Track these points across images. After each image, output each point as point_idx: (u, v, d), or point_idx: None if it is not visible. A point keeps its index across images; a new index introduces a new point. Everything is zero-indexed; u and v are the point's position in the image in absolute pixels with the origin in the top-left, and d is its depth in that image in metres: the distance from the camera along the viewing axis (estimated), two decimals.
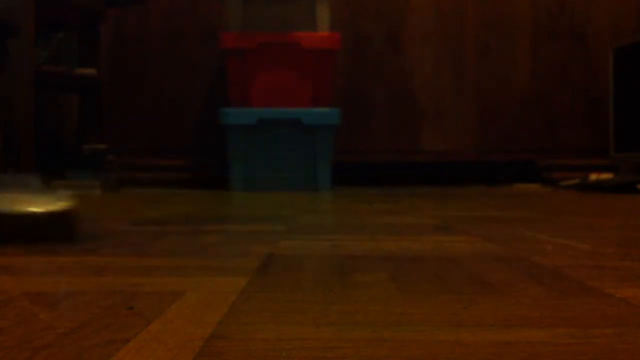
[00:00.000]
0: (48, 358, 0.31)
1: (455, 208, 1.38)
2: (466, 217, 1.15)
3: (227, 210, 1.35)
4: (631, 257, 0.65)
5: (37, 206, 0.77)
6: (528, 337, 0.35)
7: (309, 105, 2.36)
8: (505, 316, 0.40)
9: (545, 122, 2.85)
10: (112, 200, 1.75)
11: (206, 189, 2.44)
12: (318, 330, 0.36)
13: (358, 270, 0.57)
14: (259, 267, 0.58)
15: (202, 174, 2.76)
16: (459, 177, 2.83)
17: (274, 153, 2.34)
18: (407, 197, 1.82)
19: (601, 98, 2.84)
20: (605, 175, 2.39)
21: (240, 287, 0.49)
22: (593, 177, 2.40)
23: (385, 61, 2.83)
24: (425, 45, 2.84)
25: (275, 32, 2.35)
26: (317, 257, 0.64)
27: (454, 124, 2.84)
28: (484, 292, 0.47)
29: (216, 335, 0.36)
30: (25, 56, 2.10)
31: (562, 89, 2.85)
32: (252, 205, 1.51)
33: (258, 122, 2.29)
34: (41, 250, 0.70)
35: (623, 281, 0.52)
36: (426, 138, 2.84)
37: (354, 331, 0.36)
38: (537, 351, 0.33)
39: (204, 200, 1.70)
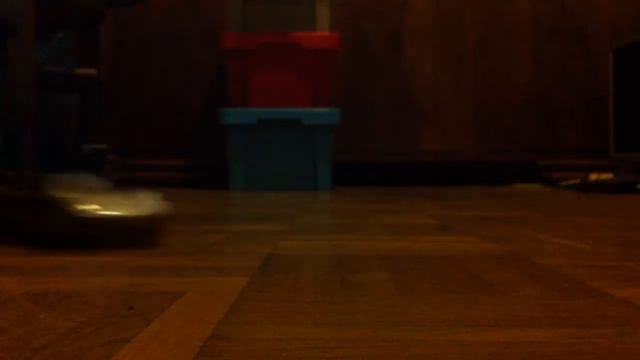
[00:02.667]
0: (48, 358, 0.31)
1: (456, 208, 1.38)
2: (466, 217, 1.15)
3: (226, 210, 1.35)
4: (631, 257, 0.65)
5: (138, 210, 0.72)
6: (528, 337, 0.35)
7: (309, 105, 2.36)
8: (505, 316, 0.40)
9: (545, 122, 2.85)
10: None
11: (206, 189, 2.44)
12: (318, 330, 0.36)
13: (358, 270, 0.57)
14: (259, 267, 0.58)
15: (202, 174, 2.76)
16: (459, 177, 2.83)
17: (274, 153, 2.34)
18: (407, 197, 1.82)
19: (601, 98, 2.84)
20: (605, 175, 2.39)
21: (240, 287, 0.49)
22: (593, 177, 2.40)
23: (385, 61, 2.83)
24: (425, 45, 2.84)
25: (275, 32, 2.35)
26: (317, 257, 0.64)
27: (454, 124, 2.84)
28: (484, 292, 0.47)
29: (216, 335, 0.35)
30: (25, 56, 2.10)
31: (562, 89, 2.85)
32: (252, 205, 1.51)
33: (258, 122, 2.29)
34: (41, 250, 0.70)
35: (623, 281, 0.52)
36: (426, 138, 2.84)
37: (354, 331, 0.36)
38: (537, 351, 0.33)
39: (203, 200, 1.70)
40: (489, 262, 0.62)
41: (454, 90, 2.84)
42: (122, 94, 2.82)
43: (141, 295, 0.46)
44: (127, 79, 2.82)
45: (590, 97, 2.85)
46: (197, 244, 0.76)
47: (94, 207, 0.69)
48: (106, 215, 0.69)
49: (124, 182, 2.59)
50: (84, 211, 0.69)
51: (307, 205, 1.48)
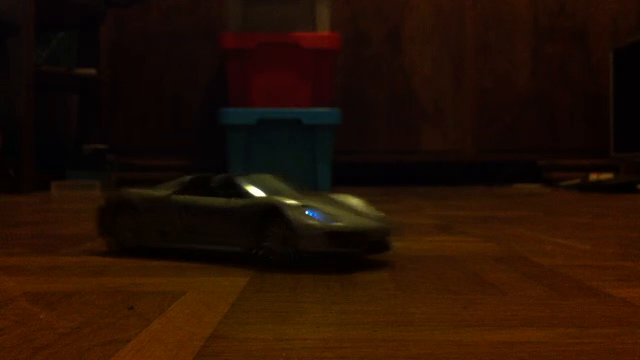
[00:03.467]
0: (48, 358, 0.31)
1: (455, 208, 1.38)
2: (466, 217, 1.15)
3: None
4: (631, 257, 0.65)
5: (380, 220, 0.61)
6: (528, 337, 0.35)
7: (309, 105, 2.36)
8: (505, 316, 0.40)
9: (545, 122, 2.85)
10: None
11: None
12: (318, 330, 0.36)
13: (358, 270, 0.57)
14: (259, 267, 0.58)
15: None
16: (459, 177, 2.83)
17: (274, 153, 2.34)
18: (407, 197, 1.82)
19: (601, 98, 2.84)
20: (605, 175, 2.39)
21: (240, 287, 0.49)
22: (593, 177, 2.39)
23: (385, 61, 2.83)
24: (425, 45, 2.84)
25: (275, 32, 2.35)
26: (317, 257, 0.64)
27: (454, 124, 2.84)
28: (484, 292, 0.47)
29: (216, 335, 0.35)
30: (25, 56, 2.10)
31: (562, 89, 2.85)
32: None
33: (258, 122, 2.29)
34: (41, 250, 0.70)
35: (623, 281, 0.52)
36: (426, 138, 2.84)
37: (354, 331, 0.36)
38: (537, 351, 0.33)
39: None
40: (489, 262, 0.62)
41: (454, 90, 2.84)
42: (122, 94, 2.82)
43: (141, 295, 0.46)
44: (127, 79, 2.82)
45: (590, 97, 2.85)
46: None
47: (335, 218, 0.57)
48: (341, 228, 0.57)
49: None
50: (313, 222, 0.56)
51: None
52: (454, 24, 2.84)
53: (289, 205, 0.56)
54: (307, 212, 0.56)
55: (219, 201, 0.60)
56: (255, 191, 0.60)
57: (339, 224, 0.57)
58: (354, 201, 0.63)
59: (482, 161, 2.83)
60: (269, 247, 0.57)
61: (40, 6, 2.14)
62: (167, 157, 2.77)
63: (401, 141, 2.83)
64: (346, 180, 2.78)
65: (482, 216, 1.17)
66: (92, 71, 2.44)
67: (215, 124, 2.81)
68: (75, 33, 2.60)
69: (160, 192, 0.65)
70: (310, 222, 0.56)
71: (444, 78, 2.84)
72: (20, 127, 2.09)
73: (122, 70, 2.82)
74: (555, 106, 2.85)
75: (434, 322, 0.38)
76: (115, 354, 0.32)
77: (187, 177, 0.65)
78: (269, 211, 0.57)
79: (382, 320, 0.39)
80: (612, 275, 0.55)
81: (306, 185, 2.39)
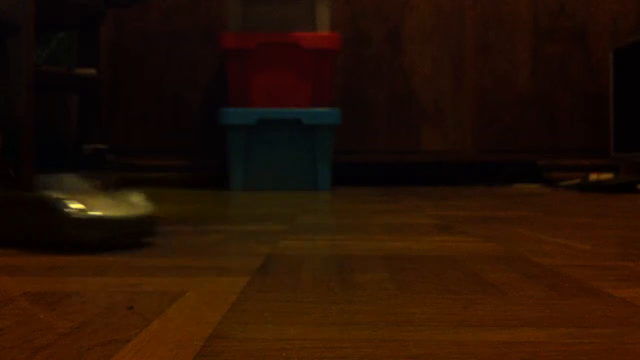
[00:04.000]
0: (48, 358, 0.31)
1: (455, 208, 1.38)
2: (466, 217, 1.15)
3: (227, 210, 1.35)
4: (631, 257, 0.65)
5: (136, 210, 0.72)
6: (528, 337, 0.35)
7: (309, 105, 2.36)
8: (505, 316, 0.40)
9: (545, 122, 2.85)
10: None
11: (206, 189, 2.44)
12: (318, 330, 0.36)
13: (358, 270, 0.57)
14: (259, 267, 0.58)
15: (202, 174, 2.76)
16: (459, 177, 2.83)
17: (274, 153, 2.34)
18: (407, 197, 1.82)
19: (601, 98, 2.84)
20: (605, 175, 2.39)
21: (240, 287, 0.49)
22: (593, 177, 2.39)
23: (385, 61, 2.83)
24: (425, 45, 2.84)
25: (275, 32, 2.35)
26: (317, 257, 0.64)
27: (454, 124, 2.84)
28: (484, 292, 0.47)
29: (216, 335, 0.35)
30: (25, 56, 2.10)
31: (562, 89, 2.85)
32: (252, 205, 1.51)
33: (258, 122, 2.29)
34: (41, 250, 0.70)
35: (623, 281, 0.52)
36: (426, 138, 2.84)
37: (354, 331, 0.36)
38: (537, 351, 0.33)
39: (204, 200, 1.70)
40: (489, 262, 0.62)
41: (454, 90, 2.84)
42: (122, 94, 2.82)
43: (141, 295, 0.46)
44: (127, 79, 2.82)
45: (590, 97, 2.85)
46: (197, 244, 0.76)
47: (81, 207, 0.68)
48: (96, 216, 0.68)
49: (124, 182, 2.59)
50: (73, 212, 0.68)
51: (307, 205, 1.47)
52: (454, 24, 2.84)
53: (58, 199, 0.68)
54: (71, 205, 0.67)
55: (18, 196, 0.72)
56: (44, 188, 0.72)
57: (99, 213, 0.68)
58: (134, 198, 0.75)
59: (482, 161, 2.83)
60: (46, 235, 0.69)
61: (40, 6, 2.14)
62: (167, 157, 2.78)
63: (401, 141, 2.83)
64: (346, 180, 2.78)
65: (482, 216, 1.17)
66: (92, 71, 2.44)
67: (215, 124, 2.81)
68: (75, 33, 2.60)
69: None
70: (74, 213, 0.67)
71: (444, 78, 2.84)
72: (20, 127, 2.09)
73: (122, 70, 2.82)
74: (555, 106, 2.85)
75: (434, 322, 0.38)
76: (115, 354, 0.32)
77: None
78: (44, 204, 0.68)
79: (382, 320, 0.39)
80: (612, 275, 0.55)
81: (305, 186, 2.39)
